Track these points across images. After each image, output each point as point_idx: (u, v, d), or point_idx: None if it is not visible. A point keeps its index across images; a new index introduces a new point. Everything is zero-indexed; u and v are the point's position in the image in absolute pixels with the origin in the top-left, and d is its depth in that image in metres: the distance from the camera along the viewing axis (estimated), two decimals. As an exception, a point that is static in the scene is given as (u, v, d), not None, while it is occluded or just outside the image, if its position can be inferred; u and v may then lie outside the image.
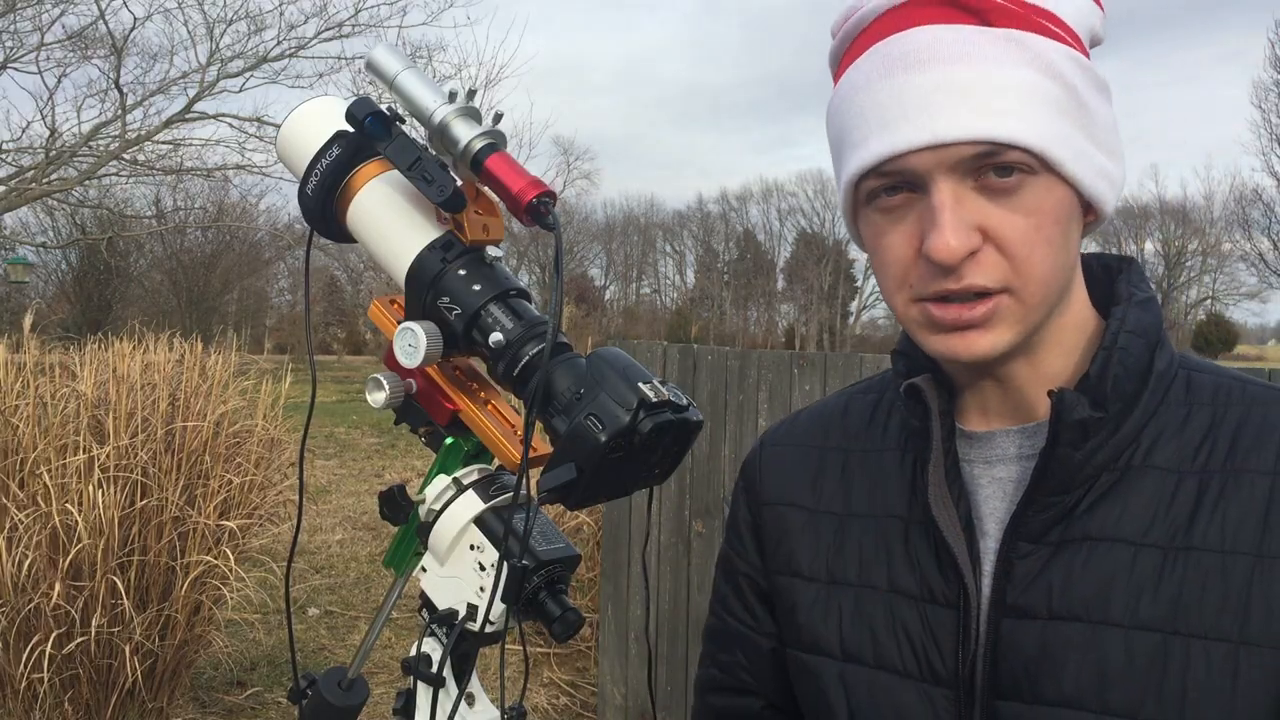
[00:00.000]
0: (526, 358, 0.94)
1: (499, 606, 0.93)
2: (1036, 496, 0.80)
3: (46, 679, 3.55)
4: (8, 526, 3.68)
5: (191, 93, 13.52)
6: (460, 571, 0.98)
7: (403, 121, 0.98)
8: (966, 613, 0.82)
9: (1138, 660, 0.75)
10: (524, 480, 0.89)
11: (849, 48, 0.84)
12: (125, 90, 13.18)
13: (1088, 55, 0.80)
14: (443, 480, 0.99)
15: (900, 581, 0.87)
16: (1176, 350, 0.85)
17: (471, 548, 0.97)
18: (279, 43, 13.54)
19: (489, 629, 0.94)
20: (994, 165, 0.74)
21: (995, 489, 0.85)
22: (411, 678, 1.00)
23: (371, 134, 0.97)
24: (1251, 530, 0.75)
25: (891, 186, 0.78)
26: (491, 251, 0.99)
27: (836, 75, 0.87)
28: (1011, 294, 0.77)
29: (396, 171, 0.98)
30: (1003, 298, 0.77)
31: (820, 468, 0.97)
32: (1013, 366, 0.83)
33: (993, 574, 0.82)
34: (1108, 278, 0.88)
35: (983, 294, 0.76)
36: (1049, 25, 0.77)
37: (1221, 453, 0.78)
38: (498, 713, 1.01)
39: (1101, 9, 0.83)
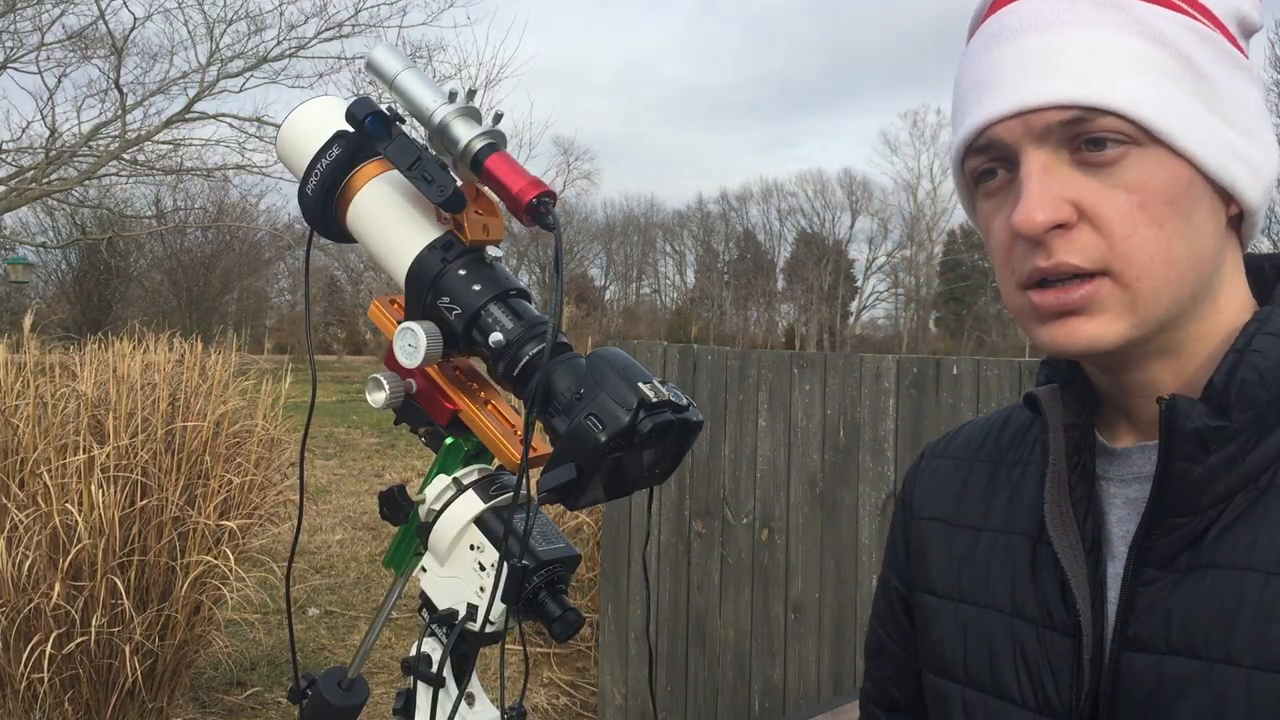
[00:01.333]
0: (526, 358, 0.94)
1: (499, 606, 0.93)
2: (1160, 518, 0.73)
3: (46, 679, 3.55)
4: (8, 526, 3.69)
5: (191, 93, 13.54)
6: (460, 571, 0.98)
7: (403, 121, 0.98)
8: (1080, 641, 0.77)
9: (1259, 704, 0.68)
10: (524, 480, 0.89)
11: (972, 31, 0.80)
12: (125, 90, 13.19)
13: (1229, 35, 0.74)
14: (443, 480, 0.99)
15: (1023, 604, 0.81)
16: None
17: (471, 548, 0.97)
18: (279, 43, 13.55)
19: (489, 629, 0.94)
20: (1089, 136, 0.70)
21: (1129, 510, 0.78)
22: (411, 678, 1.00)
23: (371, 134, 0.97)
24: None
25: (990, 168, 0.75)
26: (491, 251, 0.99)
27: None
28: (1113, 278, 0.70)
29: (396, 171, 0.98)
30: (1104, 281, 0.70)
31: (967, 480, 0.92)
32: (1151, 371, 0.76)
33: (1118, 601, 0.76)
34: (1263, 283, 0.79)
35: (1081, 276, 0.71)
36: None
37: None
38: (498, 713, 1.01)
39: None
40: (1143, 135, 0.69)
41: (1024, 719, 0.79)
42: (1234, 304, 0.76)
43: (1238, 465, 0.71)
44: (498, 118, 0.96)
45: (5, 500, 3.77)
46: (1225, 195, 0.73)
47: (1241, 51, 0.75)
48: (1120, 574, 0.76)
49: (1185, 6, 0.73)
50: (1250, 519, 0.71)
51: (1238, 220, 0.76)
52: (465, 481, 0.99)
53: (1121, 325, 0.71)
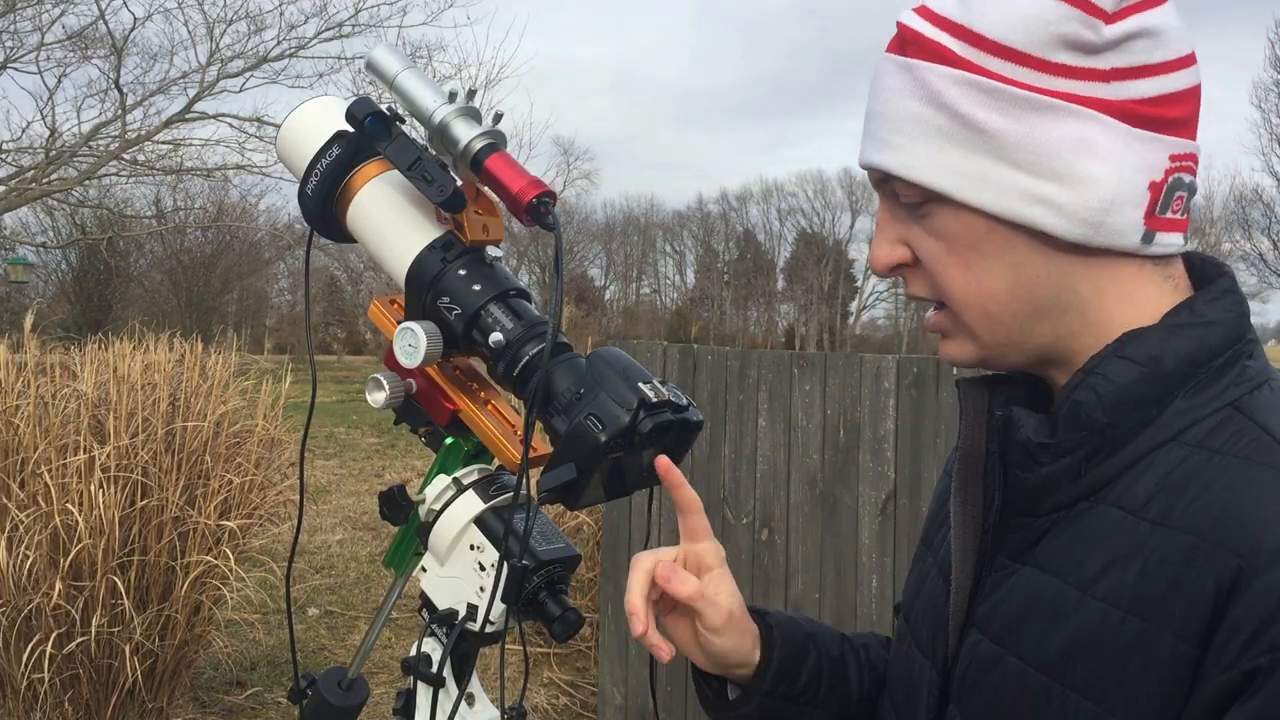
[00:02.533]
0: (526, 358, 0.94)
1: (499, 606, 0.93)
2: (1008, 515, 0.80)
3: (46, 679, 3.55)
4: (8, 526, 3.69)
5: (191, 93, 13.53)
6: (460, 571, 0.98)
7: (403, 121, 0.98)
8: (947, 610, 0.84)
9: (1024, 700, 0.74)
10: (524, 480, 0.89)
11: None
12: (125, 90, 13.19)
13: (1047, 66, 0.73)
14: (443, 480, 1.00)
15: (948, 565, 0.87)
16: (1252, 384, 0.74)
17: (471, 548, 0.97)
18: (279, 43, 13.55)
19: (489, 629, 0.94)
20: (897, 192, 0.79)
21: None
22: (411, 678, 1.00)
23: (371, 134, 0.97)
24: (1158, 593, 0.68)
25: None
26: (491, 251, 0.99)
27: None
28: (947, 309, 0.80)
29: (396, 171, 0.99)
30: (944, 311, 0.81)
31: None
32: (1053, 376, 0.82)
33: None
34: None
35: (937, 304, 0.81)
36: (957, 47, 0.74)
37: (1183, 505, 0.69)
38: (498, 713, 1.01)
39: (1085, 9, 0.73)
40: (930, 193, 0.76)
41: (921, 663, 0.87)
42: (1122, 316, 0.77)
43: (1080, 478, 0.75)
44: (498, 118, 0.96)
45: (6, 500, 3.77)
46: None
47: (1074, 75, 0.73)
48: None
49: (971, 56, 0.74)
50: (1072, 528, 0.75)
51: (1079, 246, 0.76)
52: (465, 481, 0.99)
53: (969, 347, 0.81)
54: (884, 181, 0.80)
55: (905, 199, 0.79)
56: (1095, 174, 0.73)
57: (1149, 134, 0.74)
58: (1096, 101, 0.73)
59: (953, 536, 0.84)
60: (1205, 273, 0.81)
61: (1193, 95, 0.76)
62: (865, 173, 0.85)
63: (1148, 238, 0.75)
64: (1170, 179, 0.75)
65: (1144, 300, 0.78)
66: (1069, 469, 0.75)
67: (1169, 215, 0.76)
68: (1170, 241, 0.77)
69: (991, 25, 0.74)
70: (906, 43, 0.78)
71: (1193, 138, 0.77)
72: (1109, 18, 0.73)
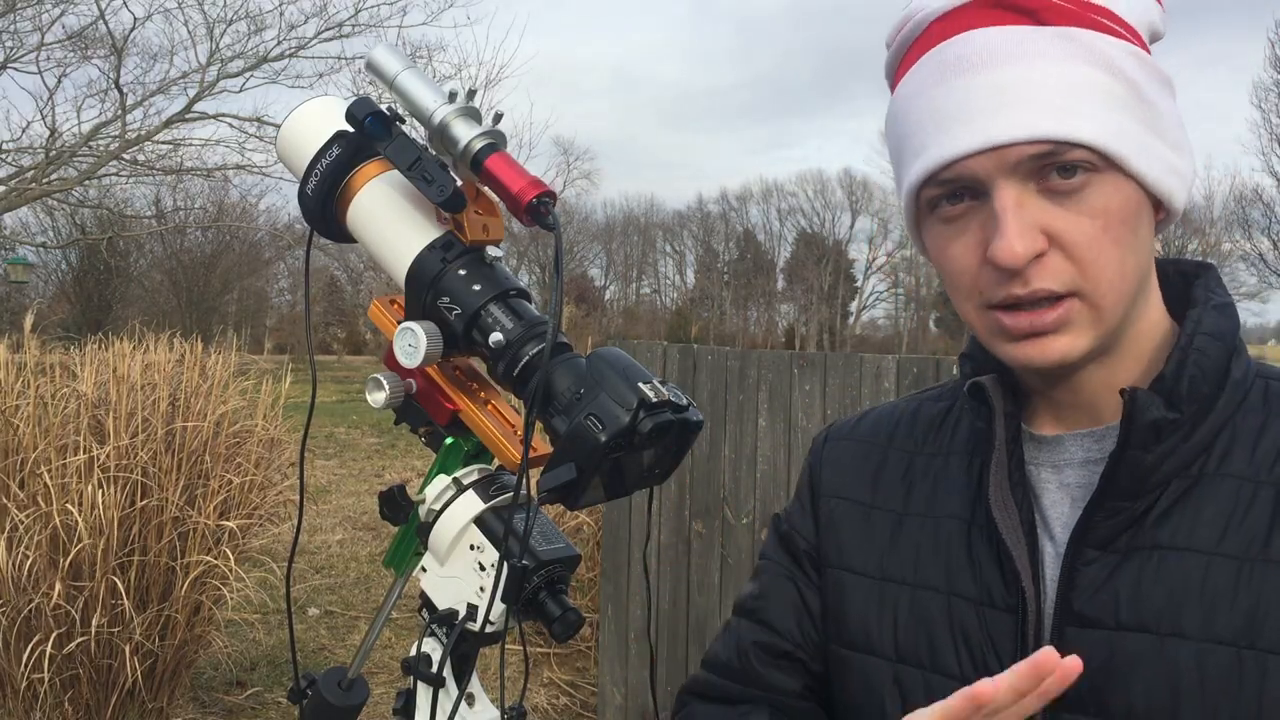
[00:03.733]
0: (526, 358, 0.94)
1: (499, 606, 0.93)
2: (1105, 501, 0.78)
3: (46, 679, 3.55)
4: (8, 526, 3.68)
5: (191, 93, 13.52)
6: (460, 571, 0.98)
7: (403, 121, 0.98)
8: (1024, 619, 0.80)
9: (1211, 675, 0.73)
10: (524, 480, 0.89)
11: (904, 56, 0.83)
12: (125, 90, 13.18)
13: (1148, 51, 0.79)
14: (443, 480, 0.99)
15: (959, 584, 0.85)
16: (1249, 357, 0.82)
17: (471, 548, 0.97)
18: (279, 43, 13.54)
19: (489, 629, 0.94)
20: (1057, 165, 0.73)
21: (1063, 494, 0.83)
22: (411, 678, 1.00)
23: (371, 134, 0.97)
24: None
25: (953, 194, 0.77)
26: (491, 251, 0.99)
27: (893, 85, 0.85)
28: (1082, 298, 0.75)
29: (396, 171, 0.98)
30: (1074, 302, 0.75)
31: (881, 465, 0.95)
32: (1087, 371, 0.80)
33: (1057, 580, 0.80)
34: (1183, 283, 0.85)
35: (1052, 298, 0.75)
36: (1105, 21, 0.76)
37: None
38: (498, 713, 1.01)
39: (1160, 4, 0.81)
40: (1103, 162, 0.74)
41: None
42: (1153, 305, 0.82)
43: (1175, 454, 0.77)
44: (498, 118, 0.96)
45: (5, 500, 3.77)
46: (1155, 204, 0.78)
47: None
48: (1058, 554, 0.81)
49: (1122, 30, 0.76)
50: (1188, 504, 0.77)
51: (1160, 224, 0.81)
52: (465, 481, 0.99)
53: (1087, 339, 0.77)
54: (1030, 159, 0.73)
55: (1065, 175, 0.73)
56: (1191, 149, 0.80)
57: None
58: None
59: (1009, 541, 0.81)
60: (1167, 274, 0.86)
61: None
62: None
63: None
64: None
65: (1157, 291, 0.84)
66: (1174, 445, 0.77)
67: None
68: None
69: (1123, 7, 0.77)
70: (1041, 11, 0.74)
71: None
72: (1164, 19, 0.81)
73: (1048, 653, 0.66)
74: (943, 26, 0.78)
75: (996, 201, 0.74)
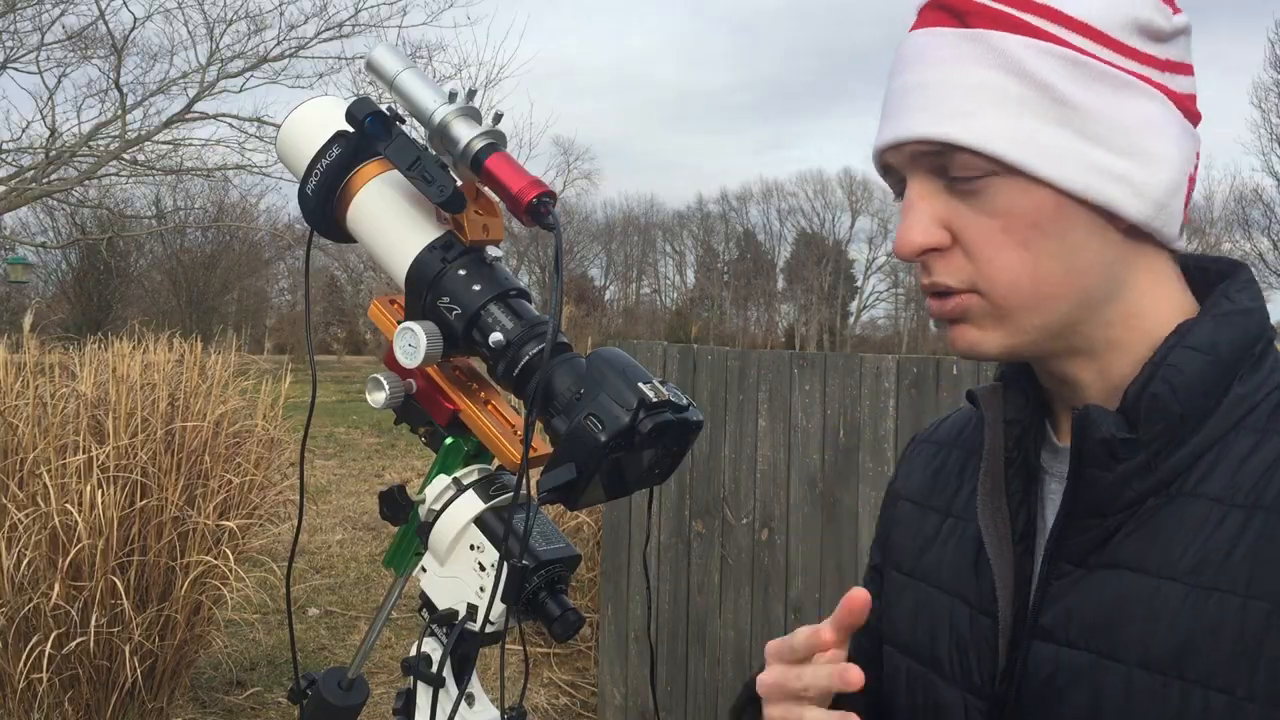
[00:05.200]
0: (526, 358, 0.94)
1: (499, 606, 0.93)
2: (1072, 518, 0.77)
3: (46, 679, 3.55)
4: (7, 526, 3.68)
5: (191, 93, 13.51)
6: (460, 571, 0.98)
7: (403, 121, 0.98)
8: (998, 627, 0.80)
9: (1135, 700, 0.71)
10: (524, 480, 0.89)
11: None
12: (125, 90, 13.18)
13: (1122, 48, 0.74)
14: (443, 480, 0.99)
15: (964, 587, 0.85)
16: None
17: (471, 548, 0.97)
18: (279, 43, 13.53)
19: (489, 629, 0.94)
20: (951, 171, 0.75)
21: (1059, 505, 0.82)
22: (411, 678, 1.00)
23: (371, 134, 0.97)
24: (1274, 573, 0.68)
25: (897, 189, 0.80)
26: (491, 251, 0.99)
27: None
28: (981, 295, 0.76)
29: (396, 172, 0.98)
30: (970, 297, 0.76)
31: (943, 465, 0.96)
32: (1073, 370, 0.79)
33: (1034, 592, 0.80)
34: (1205, 282, 0.81)
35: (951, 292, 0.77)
36: (1037, 22, 0.74)
37: (1276, 485, 0.70)
38: (498, 713, 1.01)
39: None
40: (1000, 166, 0.73)
41: (951, 693, 0.83)
42: (1155, 308, 0.78)
43: (1151, 473, 0.74)
44: (498, 118, 0.96)
45: (5, 500, 3.76)
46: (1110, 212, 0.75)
47: (1146, 61, 0.75)
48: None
49: (1056, 30, 0.74)
50: (1152, 524, 0.74)
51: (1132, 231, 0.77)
52: (465, 481, 0.99)
53: (996, 335, 0.77)
54: (926, 156, 0.75)
55: (961, 174, 0.74)
56: (1164, 154, 0.75)
57: (1191, 128, 0.77)
58: (1161, 87, 0.75)
59: (990, 551, 0.81)
60: (1206, 271, 0.82)
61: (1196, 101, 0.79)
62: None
63: (1182, 230, 0.77)
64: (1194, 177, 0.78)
65: (1171, 293, 0.79)
66: (1143, 464, 0.74)
67: (1186, 211, 0.78)
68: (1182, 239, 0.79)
69: (1074, 3, 0.74)
70: (967, 14, 0.75)
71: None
72: (1175, 8, 0.76)
73: (857, 594, 0.73)
74: (911, 26, 0.81)
75: (906, 194, 0.77)
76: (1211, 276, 0.81)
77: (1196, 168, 0.79)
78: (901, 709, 0.89)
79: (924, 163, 0.76)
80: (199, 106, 13.56)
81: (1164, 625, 0.71)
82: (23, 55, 13.08)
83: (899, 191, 0.80)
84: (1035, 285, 0.75)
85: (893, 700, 0.91)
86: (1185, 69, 0.77)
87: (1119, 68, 0.74)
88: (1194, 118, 0.78)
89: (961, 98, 0.73)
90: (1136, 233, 0.76)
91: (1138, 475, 0.74)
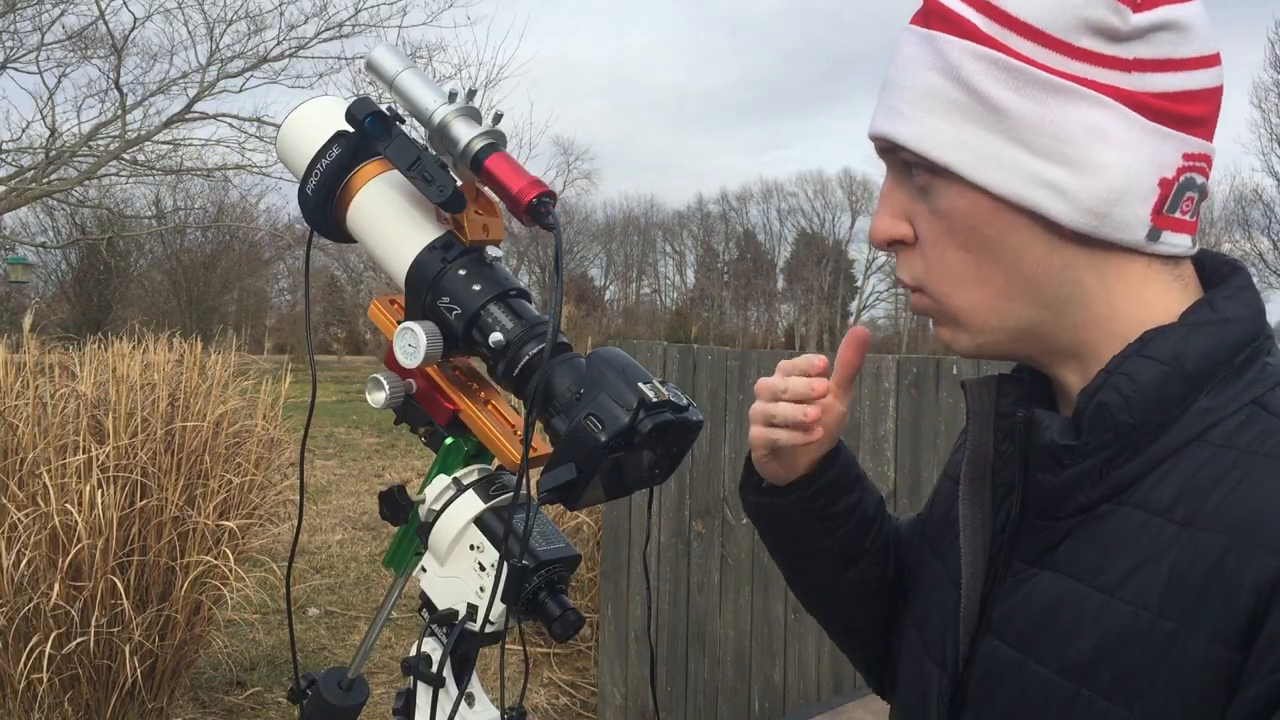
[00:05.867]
0: (526, 358, 0.94)
1: (499, 606, 0.93)
2: (1025, 518, 0.78)
3: (46, 679, 3.55)
4: (7, 526, 3.68)
5: (191, 93, 13.51)
6: (460, 571, 0.98)
7: (403, 121, 0.98)
8: (958, 615, 0.83)
9: (1052, 706, 0.72)
10: (524, 480, 0.89)
11: None
12: (125, 90, 13.17)
13: (1070, 50, 0.72)
14: (443, 480, 0.99)
15: (958, 571, 0.86)
16: (1274, 382, 0.73)
17: (471, 548, 0.97)
18: (279, 43, 13.53)
19: (489, 629, 0.94)
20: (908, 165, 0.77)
21: None
22: (411, 678, 1.00)
23: (371, 134, 0.97)
24: (1190, 595, 0.66)
25: None
26: (491, 251, 0.99)
27: None
28: (926, 294, 0.78)
29: (396, 171, 0.98)
30: (923, 296, 0.79)
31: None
32: (1060, 370, 0.79)
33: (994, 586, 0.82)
34: (1217, 283, 0.79)
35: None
36: (982, 23, 0.73)
37: (1211, 506, 0.68)
38: (498, 713, 1.01)
39: None
40: (935, 167, 0.74)
41: (930, 669, 0.86)
42: (1130, 312, 0.75)
43: (1103, 480, 0.73)
44: (497, 118, 0.96)
45: (5, 500, 3.76)
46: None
47: (1094, 61, 0.72)
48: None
49: (993, 32, 0.73)
50: (1094, 531, 0.73)
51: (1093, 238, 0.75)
52: (465, 481, 0.99)
53: (962, 335, 0.78)
54: (891, 152, 0.78)
55: (915, 172, 0.77)
56: (1105, 162, 0.72)
57: (1164, 129, 0.72)
58: (1115, 90, 0.72)
59: (962, 540, 0.82)
60: (1218, 272, 0.79)
61: (1213, 96, 0.74)
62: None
63: (1153, 235, 0.73)
64: (1182, 178, 0.73)
65: (1153, 298, 0.76)
66: (1092, 471, 0.73)
67: (1177, 215, 0.74)
68: (1177, 242, 0.75)
69: (1020, 3, 0.72)
70: (931, 14, 0.76)
71: (1209, 139, 0.75)
72: (1137, 6, 0.72)
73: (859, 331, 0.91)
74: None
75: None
76: (1212, 278, 0.79)
77: (1201, 165, 0.74)
78: (902, 680, 0.93)
79: (890, 157, 0.79)
80: (199, 106, 13.56)
81: (1083, 634, 0.71)
82: (23, 55, 13.08)
83: None
84: (981, 286, 0.76)
85: (899, 665, 0.94)
86: (1167, 65, 0.72)
87: (1060, 72, 0.72)
88: (1176, 117, 0.73)
89: (909, 100, 0.76)
90: (1089, 238, 0.74)
91: (1089, 481, 0.73)
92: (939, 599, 0.88)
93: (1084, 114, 0.72)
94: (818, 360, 0.90)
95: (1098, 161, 0.72)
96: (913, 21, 0.79)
